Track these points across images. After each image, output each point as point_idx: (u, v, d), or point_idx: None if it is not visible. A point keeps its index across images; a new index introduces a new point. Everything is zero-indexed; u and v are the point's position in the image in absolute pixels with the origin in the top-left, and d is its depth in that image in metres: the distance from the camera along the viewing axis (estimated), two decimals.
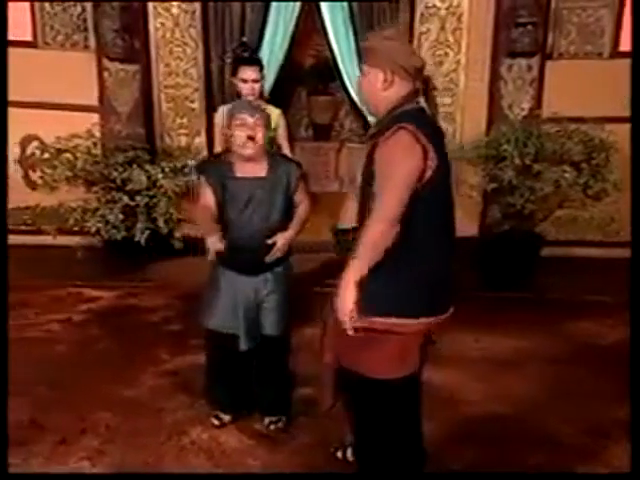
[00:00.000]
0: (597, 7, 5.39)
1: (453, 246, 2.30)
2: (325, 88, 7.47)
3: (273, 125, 3.97)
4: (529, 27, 5.26)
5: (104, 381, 3.61)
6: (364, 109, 5.39)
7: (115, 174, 5.01)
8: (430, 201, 2.15)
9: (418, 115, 2.23)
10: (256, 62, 3.92)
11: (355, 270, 2.14)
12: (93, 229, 4.98)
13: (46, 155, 5.65)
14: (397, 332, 2.21)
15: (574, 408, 3.34)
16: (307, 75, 7.17)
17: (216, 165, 2.98)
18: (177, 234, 5.15)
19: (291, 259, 3.12)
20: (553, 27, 5.43)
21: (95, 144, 5.23)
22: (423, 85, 2.29)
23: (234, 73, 3.95)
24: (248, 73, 3.85)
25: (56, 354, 3.95)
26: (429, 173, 2.11)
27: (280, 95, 5.69)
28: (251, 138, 2.81)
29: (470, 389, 3.53)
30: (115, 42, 5.43)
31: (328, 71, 7.32)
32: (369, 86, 2.29)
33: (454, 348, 3.78)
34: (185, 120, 5.78)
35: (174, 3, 5.51)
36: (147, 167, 5.07)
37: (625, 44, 5.43)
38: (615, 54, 5.47)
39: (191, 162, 5.59)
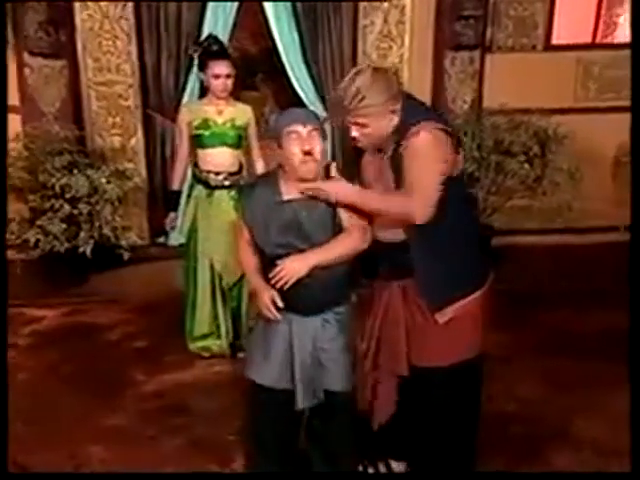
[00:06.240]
0: (532, 0, 5.51)
1: None
2: (252, 83, 7.24)
3: (244, 123, 3.80)
4: (471, 20, 5.31)
5: (83, 410, 3.29)
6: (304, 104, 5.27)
7: (53, 180, 4.56)
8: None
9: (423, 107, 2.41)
10: (228, 56, 3.66)
11: None
12: (33, 241, 4.52)
13: None
14: (470, 310, 2.38)
15: (581, 401, 3.33)
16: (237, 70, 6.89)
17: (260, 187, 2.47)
18: (124, 243, 4.77)
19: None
20: (492, 20, 5.50)
21: (27, 147, 4.74)
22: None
23: (202, 68, 3.68)
24: (221, 68, 3.59)
25: (18, 384, 3.51)
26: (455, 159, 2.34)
27: None
28: (308, 153, 2.29)
29: None
30: (39, 35, 4.94)
31: (254, 65, 7.17)
32: (377, 133, 2.31)
33: None
34: (118, 119, 5.35)
35: None
36: (88, 172, 4.66)
37: (557, 37, 5.62)
38: (548, 47, 5.61)
39: (129, 165, 5.26)
